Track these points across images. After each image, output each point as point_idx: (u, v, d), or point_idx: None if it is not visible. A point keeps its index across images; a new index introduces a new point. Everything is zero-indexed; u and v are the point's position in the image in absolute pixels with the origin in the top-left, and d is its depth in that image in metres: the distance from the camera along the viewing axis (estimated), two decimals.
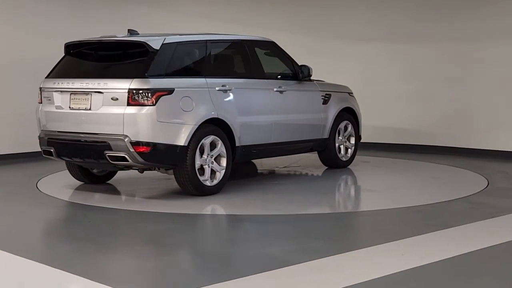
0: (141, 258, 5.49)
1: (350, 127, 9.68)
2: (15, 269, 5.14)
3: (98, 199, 7.80)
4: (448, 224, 6.34)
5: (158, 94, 7.15)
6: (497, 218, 6.62)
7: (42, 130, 7.95)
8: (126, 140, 7.16)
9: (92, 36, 8.53)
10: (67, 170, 9.26)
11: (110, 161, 7.36)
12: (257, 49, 8.80)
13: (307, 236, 6.11)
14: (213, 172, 7.72)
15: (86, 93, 7.46)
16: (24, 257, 5.29)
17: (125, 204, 7.58)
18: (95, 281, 4.68)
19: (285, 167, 9.97)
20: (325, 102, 9.27)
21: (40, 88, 7.98)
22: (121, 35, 8.07)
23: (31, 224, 6.75)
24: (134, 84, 7.14)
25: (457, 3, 11.25)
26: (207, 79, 7.75)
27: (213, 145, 7.69)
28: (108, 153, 7.27)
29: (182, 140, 7.31)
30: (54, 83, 7.82)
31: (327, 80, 10.01)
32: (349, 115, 9.68)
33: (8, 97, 10.52)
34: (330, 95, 9.37)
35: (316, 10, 12.61)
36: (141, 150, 7.15)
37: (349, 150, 9.74)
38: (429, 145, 11.56)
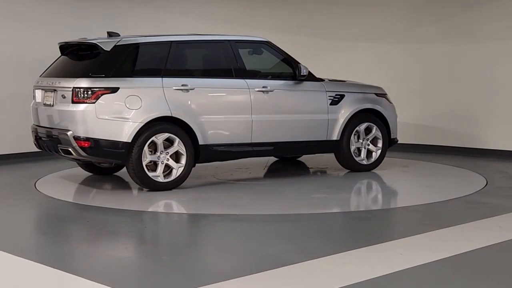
0: (140, 258, 5.49)
1: (374, 130, 9.24)
2: (14, 269, 5.13)
3: (96, 199, 7.80)
4: (447, 224, 6.34)
5: (99, 92, 7.66)
6: (495, 218, 6.62)
7: (32, 123, 8.60)
8: (69, 135, 7.70)
9: (88, 36, 8.77)
10: (65, 170, 9.44)
11: (63, 154, 7.97)
12: (251, 50, 8.89)
13: (304, 236, 6.11)
14: (170, 169, 7.97)
15: (51, 90, 8.07)
16: (22, 257, 5.29)
17: (124, 203, 7.56)
18: (94, 281, 4.68)
19: (311, 168, 9.88)
20: (334, 102, 8.98)
21: (33, 86, 8.61)
22: (93, 37, 8.45)
23: (29, 224, 6.75)
24: (77, 83, 7.72)
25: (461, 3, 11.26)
26: (164, 78, 7.99)
27: (172, 143, 7.97)
28: (60, 146, 7.90)
29: (125, 136, 7.69)
30: (38, 81, 8.48)
31: (354, 80, 9.86)
32: (374, 117, 9.27)
33: (6, 97, 10.50)
34: (342, 95, 9.05)
35: (315, 11, 12.61)
36: (82, 144, 7.66)
37: (373, 153, 9.30)
38: (429, 144, 11.56)
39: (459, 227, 6.24)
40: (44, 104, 8.20)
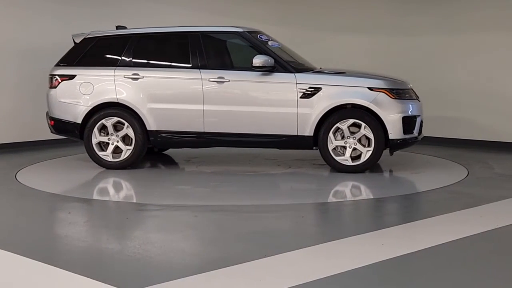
0: (121, 249, 5.46)
1: (363, 128, 8.32)
2: None
3: (78, 190, 7.77)
4: (427, 214, 6.37)
5: (61, 79, 8.95)
6: (476, 208, 6.66)
7: None
8: (46, 115, 9.27)
9: (97, 27, 9.76)
10: (46, 161, 9.53)
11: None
12: (220, 41, 9.11)
13: (280, 227, 6.11)
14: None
15: None
16: (1, 249, 5.25)
17: (104, 194, 7.55)
18: (75, 273, 4.66)
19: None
20: (306, 95, 8.39)
21: None
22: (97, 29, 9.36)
23: (9, 216, 6.70)
24: (51, 70, 9.13)
25: None
26: (117, 68, 8.85)
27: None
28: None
29: (77, 118, 8.86)
30: None
31: (358, 70, 9.30)
32: (366, 113, 8.33)
33: None
34: (318, 88, 8.40)
35: (305, 3, 12.63)
36: (51, 123, 9.14)
37: (362, 154, 8.40)
38: None
39: (440, 217, 6.27)
40: None
